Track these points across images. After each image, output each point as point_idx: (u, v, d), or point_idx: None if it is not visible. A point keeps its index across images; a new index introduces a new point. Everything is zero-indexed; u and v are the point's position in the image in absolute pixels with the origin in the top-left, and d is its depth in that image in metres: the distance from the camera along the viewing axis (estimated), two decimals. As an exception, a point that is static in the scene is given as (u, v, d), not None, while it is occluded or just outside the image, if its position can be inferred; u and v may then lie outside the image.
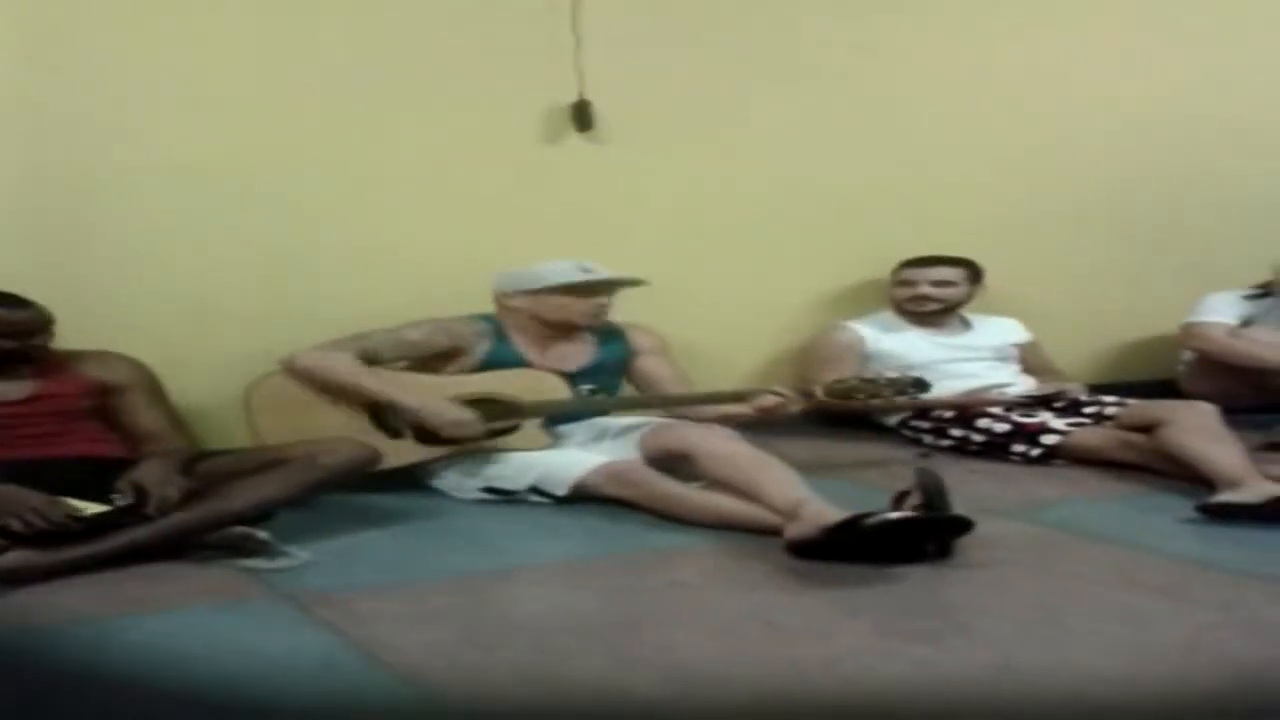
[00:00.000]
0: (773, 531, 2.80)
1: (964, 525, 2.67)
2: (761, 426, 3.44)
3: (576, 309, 3.54)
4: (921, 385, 3.57)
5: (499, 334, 3.54)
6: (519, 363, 3.50)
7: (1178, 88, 4.80)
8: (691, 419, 3.46)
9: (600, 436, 3.46)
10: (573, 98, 3.98)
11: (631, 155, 4.09)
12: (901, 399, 3.66)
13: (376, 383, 3.36)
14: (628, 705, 1.98)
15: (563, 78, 3.95)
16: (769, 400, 3.41)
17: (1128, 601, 2.45)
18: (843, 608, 2.41)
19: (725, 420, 3.40)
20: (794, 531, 2.72)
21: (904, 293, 4.27)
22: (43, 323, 3.05)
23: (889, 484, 2.87)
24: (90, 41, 3.49)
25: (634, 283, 3.60)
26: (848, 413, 4.13)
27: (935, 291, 4.24)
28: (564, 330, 3.57)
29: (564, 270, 3.53)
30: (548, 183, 4.01)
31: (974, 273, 4.32)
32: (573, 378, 3.51)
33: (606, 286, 3.58)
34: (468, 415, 3.31)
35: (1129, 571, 2.63)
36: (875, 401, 3.63)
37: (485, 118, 3.91)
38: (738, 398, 3.48)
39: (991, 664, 2.11)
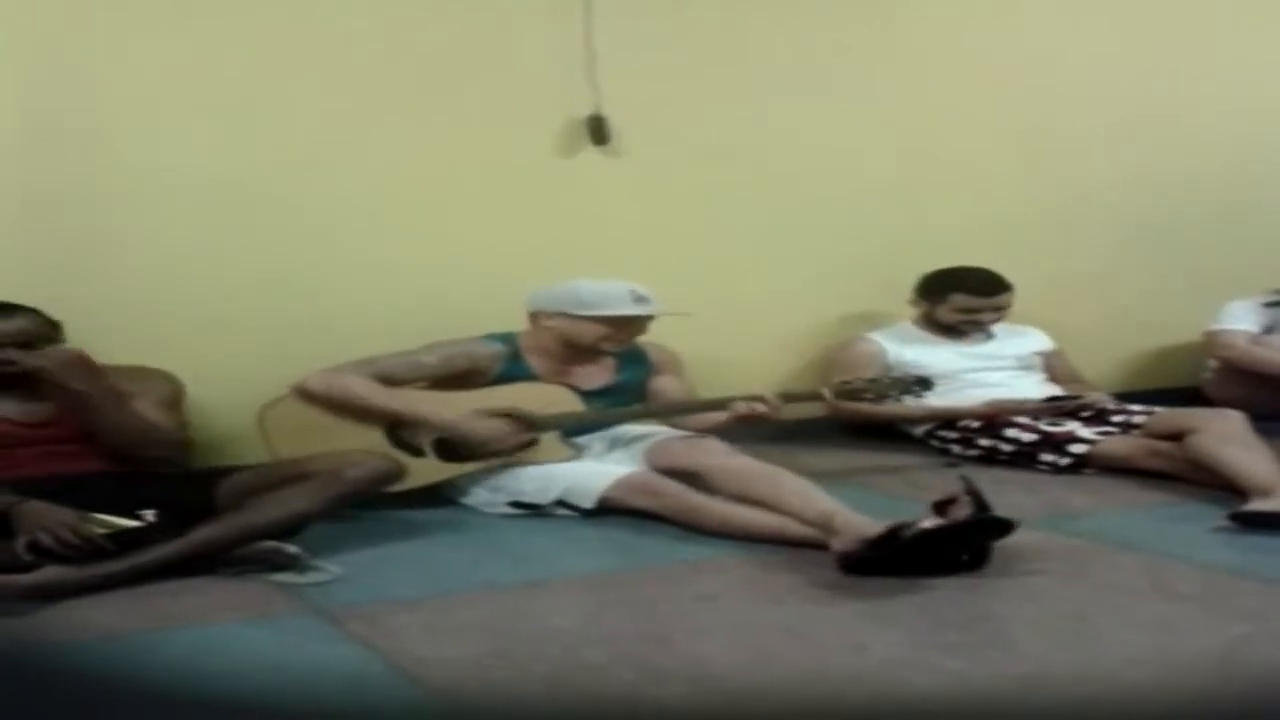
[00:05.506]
0: (800, 543, 2.80)
1: (1006, 527, 2.66)
2: (749, 431, 3.43)
3: (612, 337, 3.49)
4: (925, 384, 3.72)
5: (514, 355, 3.51)
6: (530, 379, 3.48)
7: (1196, 90, 4.77)
8: (685, 428, 3.47)
9: (614, 446, 3.47)
10: (588, 112, 3.99)
11: (647, 169, 4.08)
12: (907, 397, 3.75)
13: (402, 402, 3.35)
14: (658, 718, 1.98)
15: (578, 92, 3.95)
16: (742, 408, 3.38)
17: (1159, 611, 2.44)
18: (875, 619, 2.40)
19: (711, 429, 3.41)
20: (840, 546, 2.69)
21: (959, 317, 4.20)
22: (37, 333, 3.00)
23: (916, 494, 2.87)
24: (99, 55, 3.49)
25: (681, 314, 3.51)
26: (870, 420, 4.12)
27: (994, 316, 4.23)
28: (588, 353, 3.53)
29: (617, 297, 3.45)
30: (564, 197, 4.01)
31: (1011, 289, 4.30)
32: (592, 396, 3.49)
33: (648, 319, 3.52)
34: (502, 428, 3.31)
35: (1160, 581, 2.62)
36: (884, 401, 3.72)
37: (501, 132, 3.90)
38: (717, 405, 3.45)
39: (1024, 675, 2.11)
